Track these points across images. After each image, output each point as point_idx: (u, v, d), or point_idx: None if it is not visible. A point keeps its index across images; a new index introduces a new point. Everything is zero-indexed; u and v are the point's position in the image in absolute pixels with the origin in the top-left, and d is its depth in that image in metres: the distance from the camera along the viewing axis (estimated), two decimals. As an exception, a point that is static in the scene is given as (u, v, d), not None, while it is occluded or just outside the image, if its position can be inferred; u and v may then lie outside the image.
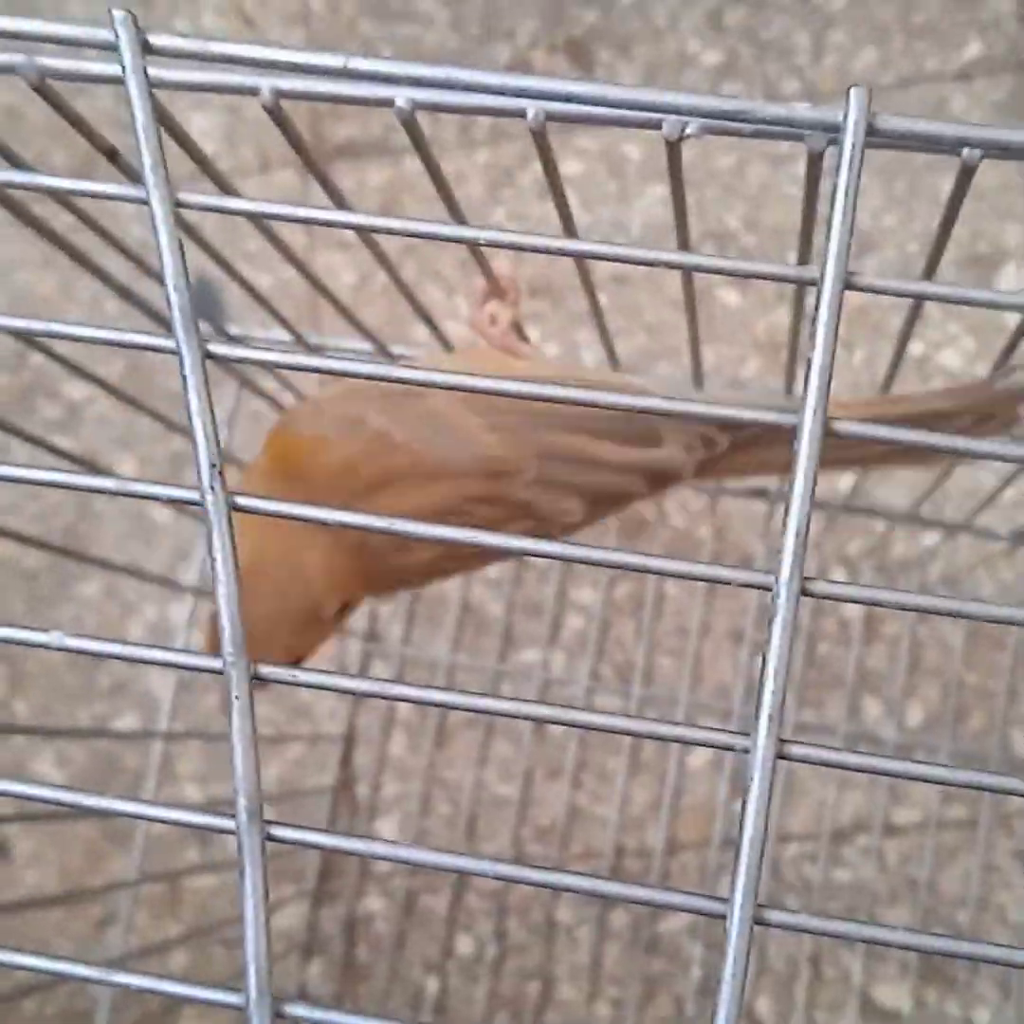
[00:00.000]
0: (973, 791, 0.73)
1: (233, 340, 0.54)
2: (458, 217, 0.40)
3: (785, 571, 0.25)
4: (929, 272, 0.39)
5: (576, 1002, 0.73)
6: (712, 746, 0.25)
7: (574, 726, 0.25)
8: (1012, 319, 0.80)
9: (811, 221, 0.36)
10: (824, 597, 0.25)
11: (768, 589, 0.25)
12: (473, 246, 0.44)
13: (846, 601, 0.25)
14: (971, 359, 0.77)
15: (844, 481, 0.72)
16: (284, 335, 0.52)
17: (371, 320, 0.57)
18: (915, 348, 0.77)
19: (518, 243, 0.26)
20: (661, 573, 0.26)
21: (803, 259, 0.37)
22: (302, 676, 0.26)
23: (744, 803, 0.24)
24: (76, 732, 0.75)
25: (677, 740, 0.25)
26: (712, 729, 0.25)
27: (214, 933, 0.72)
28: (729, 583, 0.26)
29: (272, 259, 0.82)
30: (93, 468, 0.51)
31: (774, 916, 0.25)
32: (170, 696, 0.67)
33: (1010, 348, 0.41)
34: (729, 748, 0.25)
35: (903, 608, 0.25)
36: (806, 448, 0.25)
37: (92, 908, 0.75)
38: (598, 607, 0.76)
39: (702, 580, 0.26)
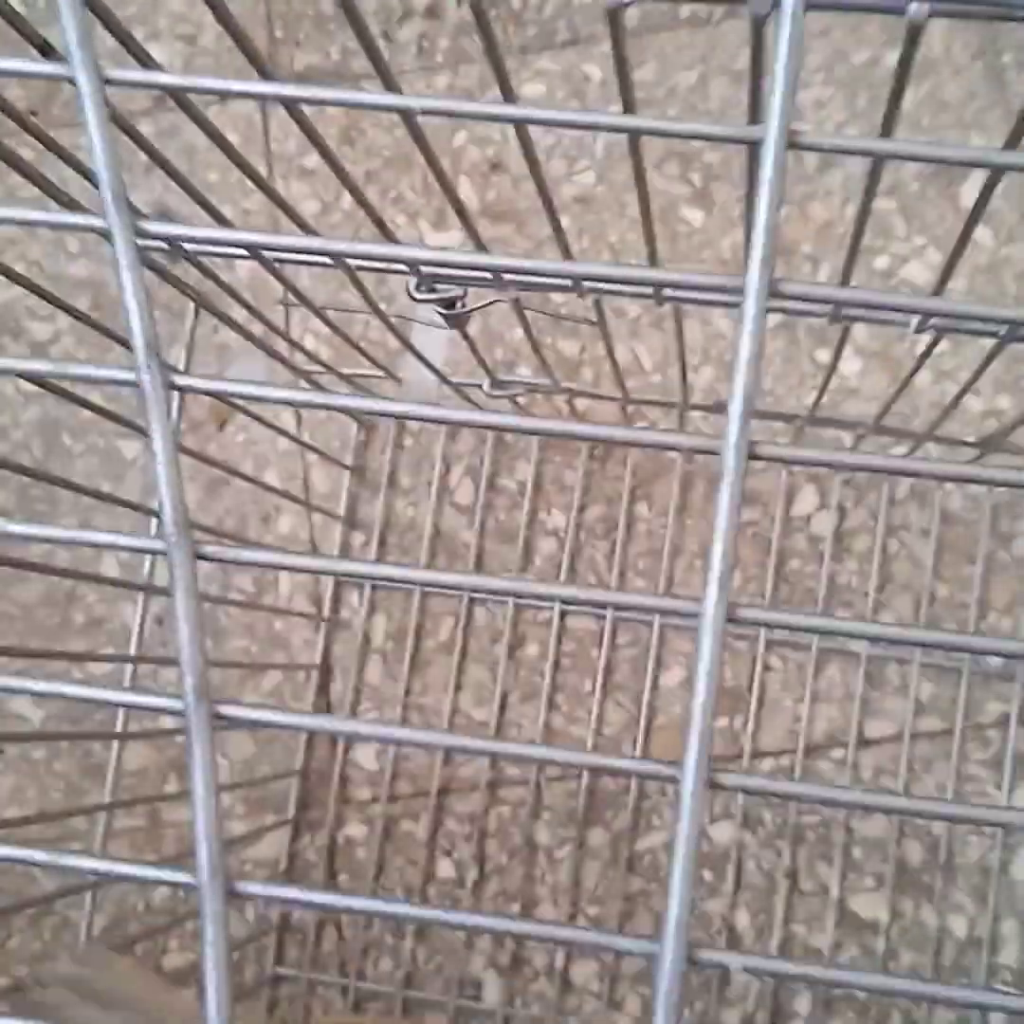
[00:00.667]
0: (947, 702, 0.73)
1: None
2: (417, 134, 0.39)
3: (732, 433, 0.25)
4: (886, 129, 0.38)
5: (558, 923, 0.74)
6: (664, 612, 0.25)
7: (541, 599, 0.25)
8: (982, 233, 0.80)
9: (757, 89, 0.35)
10: (771, 459, 0.25)
11: (715, 452, 0.25)
12: (434, 166, 0.43)
13: (792, 463, 0.25)
14: (937, 271, 0.76)
15: (809, 397, 0.72)
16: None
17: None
18: (880, 261, 0.77)
19: (456, 110, 0.26)
20: (609, 440, 0.25)
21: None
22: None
23: (696, 668, 0.24)
24: (65, 656, 0.75)
25: (636, 607, 0.25)
26: (668, 597, 0.25)
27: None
28: (677, 448, 0.25)
29: (233, 191, 0.82)
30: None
31: (728, 779, 0.25)
32: (137, 627, 0.67)
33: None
34: (678, 612, 0.25)
35: (848, 468, 0.25)
36: (752, 309, 0.24)
37: (71, 843, 0.76)
38: (569, 531, 0.76)
39: (653, 447, 0.26)
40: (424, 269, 0.50)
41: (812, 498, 0.76)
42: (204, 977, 0.25)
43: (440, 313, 0.53)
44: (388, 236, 0.50)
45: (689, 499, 0.76)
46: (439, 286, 0.50)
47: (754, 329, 0.24)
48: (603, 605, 0.75)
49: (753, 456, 0.25)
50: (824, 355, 0.77)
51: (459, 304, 0.52)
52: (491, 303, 0.52)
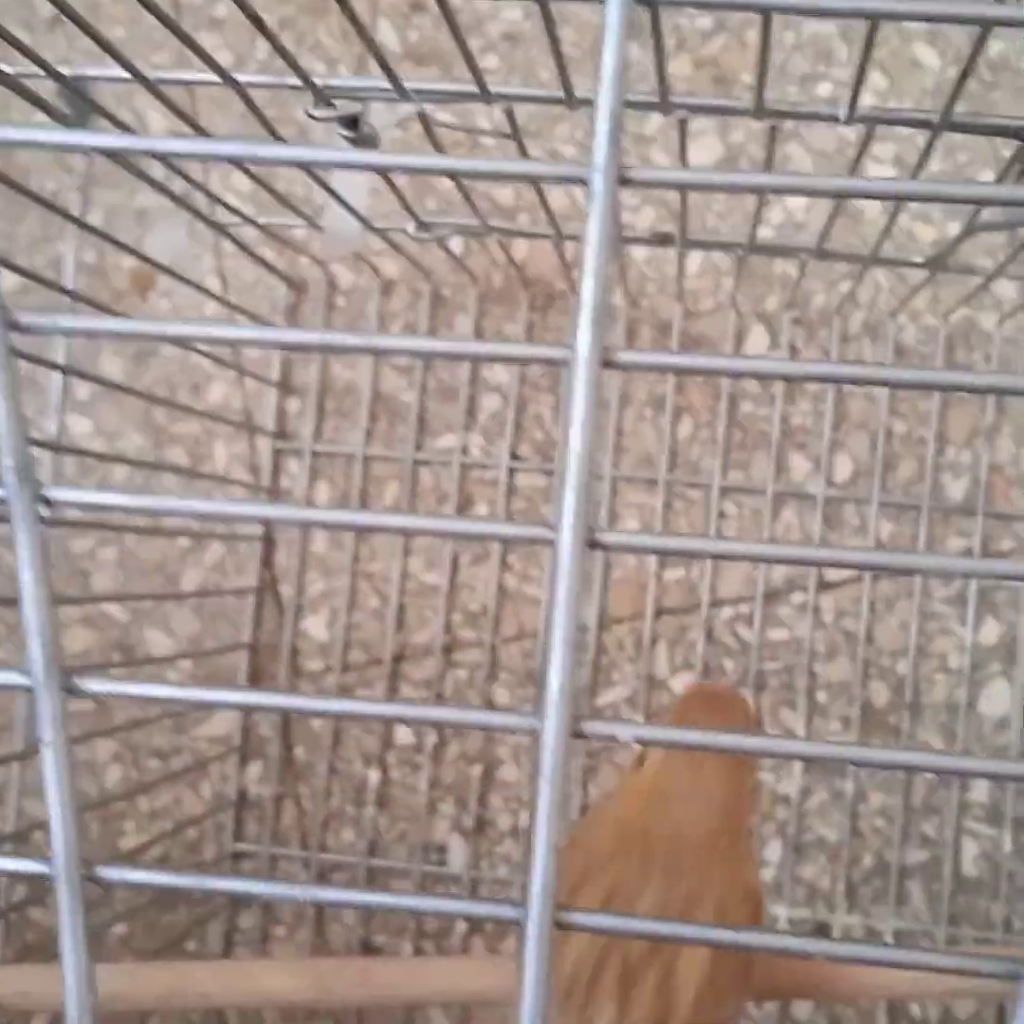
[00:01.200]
0: (907, 540, 0.71)
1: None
2: None
3: (598, 158, 0.22)
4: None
5: (520, 783, 0.72)
6: (535, 361, 0.23)
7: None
8: (928, 54, 0.77)
9: None
10: (643, 183, 0.22)
11: (584, 181, 0.22)
12: (347, 8, 0.40)
13: (660, 186, 0.22)
14: (883, 96, 0.73)
15: (762, 231, 0.69)
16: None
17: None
18: (823, 88, 0.74)
19: None
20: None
21: None
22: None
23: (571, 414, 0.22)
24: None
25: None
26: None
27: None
28: (542, 178, 0.23)
29: (141, 45, 0.78)
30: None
31: (608, 537, 0.22)
32: None
33: None
34: (549, 360, 0.22)
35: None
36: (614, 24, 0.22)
37: None
38: (513, 386, 0.74)
39: (517, 177, 0.23)
40: (318, 82, 0.47)
41: (762, 339, 0.73)
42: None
43: (345, 136, 0.49)
44: (303, 78, 0.47)
45: (634, 346, 0.74)
46: (337, 102, 0.47)
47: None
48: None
49: (623, 181, 0.22)
50: (769, 188, 0.74)
51: (364, 125, 0.49)
52: (397, 122, 0.49)
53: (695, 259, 0.74)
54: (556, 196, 0.73)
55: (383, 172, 0.52)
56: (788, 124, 0.54)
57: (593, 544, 0.22)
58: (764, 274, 0.73)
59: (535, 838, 0.21)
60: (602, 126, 0.22)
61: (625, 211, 0.74)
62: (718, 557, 0.22)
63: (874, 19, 0.38)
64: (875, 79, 0.74)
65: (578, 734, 0.22)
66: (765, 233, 0.73)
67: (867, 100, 0.72)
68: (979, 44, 0.38)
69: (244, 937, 0.73)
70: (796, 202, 0.74)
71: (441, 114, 0.73)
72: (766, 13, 0.37)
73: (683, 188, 0.23)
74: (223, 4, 0.76)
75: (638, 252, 0.74)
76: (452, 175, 0.23)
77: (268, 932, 0.73)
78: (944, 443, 0.72)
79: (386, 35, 0.76)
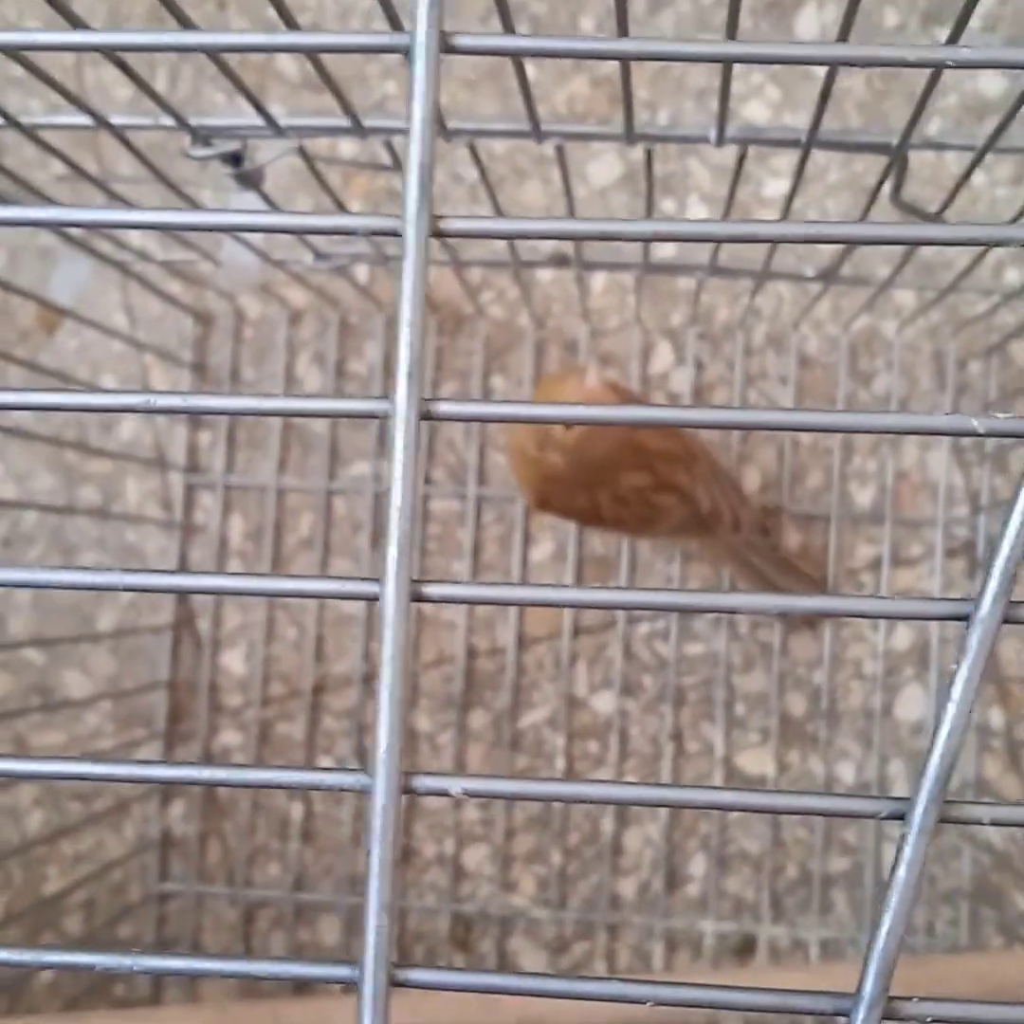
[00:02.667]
0: (818, 551, 0.72)
1: None
2: None
3: (410, 209, 0.22)
4: (731, 26, 0.36)
5: (443, 809, 0.72)
6: (356, 415, 0.22)
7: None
8: (817, 68, 0.77)
9: None
10: (456, 234, 0.22)
11: (397, 233, 0.22)
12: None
13: (476, 236, 0.22)
14: (777, 109, 0.74)
15: (658, 248, 0.70)
16: None
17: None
18: (716, 102, 0.74)
19: None
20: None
21: None
22: None
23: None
24: None
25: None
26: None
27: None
28: (357, 231, 0.23)
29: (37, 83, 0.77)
30: None
31: (434, 590, 0.22)
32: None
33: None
34: (371, 414, 0.22)
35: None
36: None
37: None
38: (424, 411, 0.74)
39: (332, 231, 0.23)
40: (196, 123, 0.47)
41: (668, 355, 0.74)
42: None
43: (229, 174, 0.49)
44: (177, 118, 0.46)
45: (543, 367, 0.74)
46: (214, 141, 0.47)
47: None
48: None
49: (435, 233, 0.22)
50: (669, 205, 0.74)
51: (246, 162, 0.49)
52: (276, 159, 0.49)
53: (599, 278, 0.74)
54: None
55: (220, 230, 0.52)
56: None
57: (418, 598, 0.22)
58: (668, 291, 0.74)
59: (369, 898, 0.21)
60: (412, 178, 0.22)
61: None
62: (529, 604, 0.22)
63: (727, 63, 0.39)
64: (768, 91, 0.75)
65: (408, 790, 0.22)
66: (667, 251, 0.73)
67: (761, 113, 0.73)
68: (829, 79, 0.39)
69: (174, 979, 0.72)
70: (695, 213, 0.75)
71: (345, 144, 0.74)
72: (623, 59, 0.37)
73: (499, 237, 0.23)
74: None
75: (543, 274, 0.74)
76: (286, 232, 0.23)
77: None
78: (850, 452, 0.72)
79: (284, 63, 0.76)
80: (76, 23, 0.40)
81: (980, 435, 0.21)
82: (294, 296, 0.74)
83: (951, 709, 0.20)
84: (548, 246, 0.74)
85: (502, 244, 0.66)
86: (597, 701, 0.73)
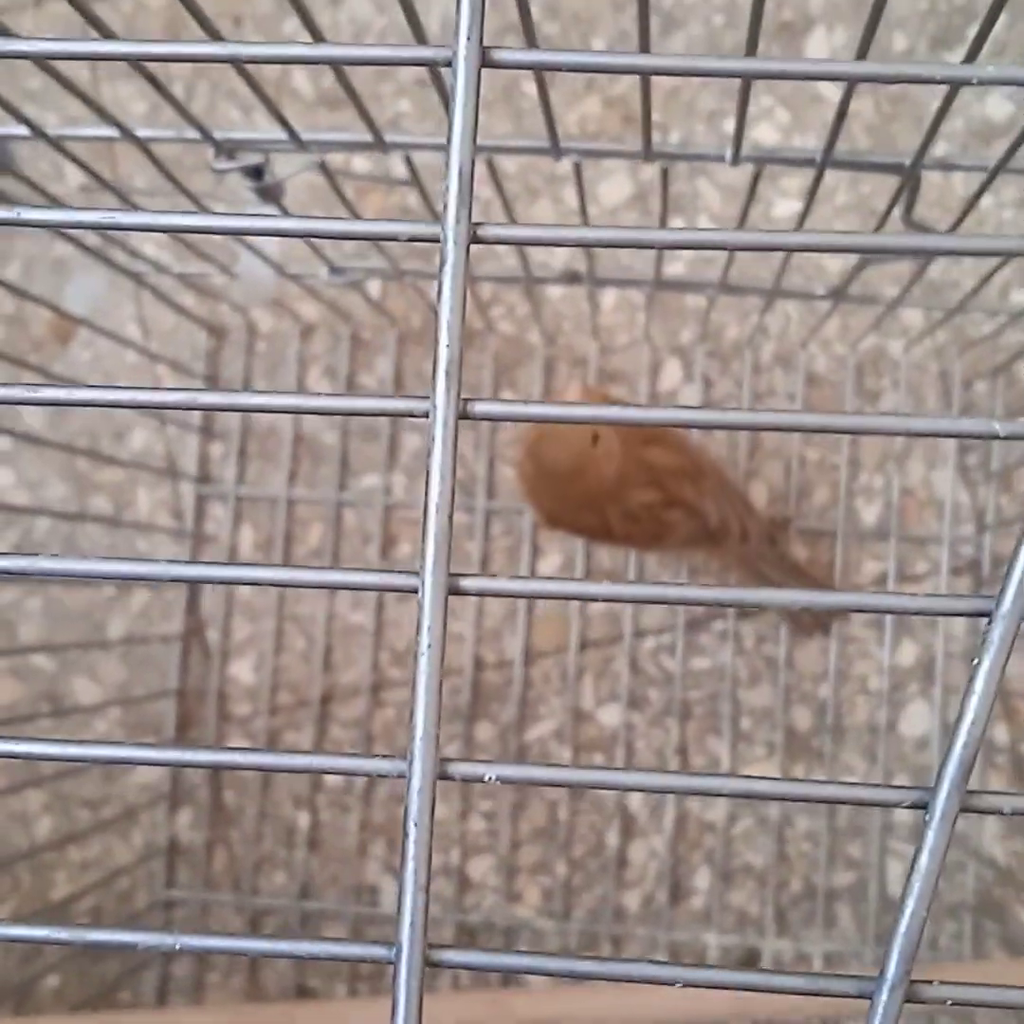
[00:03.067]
0: (824, 567, 0.73)
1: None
2: None
3: (449, 216, 0.23)
4: (751, 45, 0.37)
5: (450, 820, 0.73)
6: (397, 414, 0.23)
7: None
8: (827, 88, 0.78)
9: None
10: (495, 241, 0.23)
11: (436, 240, 0.23)
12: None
13: (513, 243, 0.23)
14: (787, 132, 0.75)
15: (667, 266, 0.71)
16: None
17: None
18: (729, 124, 0.75)
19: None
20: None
21: None
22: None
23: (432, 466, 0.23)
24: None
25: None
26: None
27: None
28: (397, 237, 0.23)
29: (58, 95, 0.78)
30: None
31: (466, 583, 0.23)
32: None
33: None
34: (411, 412, 0.23)
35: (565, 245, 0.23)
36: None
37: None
38: (434, 424, 0.74)
39: (372, 237, 0.24)
40: (219, 136, 0.47)
41: (676, 372, 0.74)
42: None
43: (250, 188, 0.50)
44: (202, 131, 0.47)
45: (553, 382, 0.75)
46: (238, 154, 0.48)
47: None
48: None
49: (475, 240, 0.23)
50: (680, 225, 0.75)
51: (267, 175, 0.50)
52: (297, 173, 0.49)
53: (610, 295, 0.75)
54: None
55: (238, 234, 0.53)
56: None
57: (455, 591, 0.23)
58: (678, 308, 0.75)
59: (405, 879, 0.22)
60: (453, 185, 0.23)
61: (539, 250, 0.75)
62: (564, 598, 0.23)
63: (762, 78, 0.39)
64: (778, 114, 0.76)
65: (444, 776, 0.22)
66: (676, 269, 0.74)
67: (770, 136, 0.74)
68: (846, 98, 0.40)
69: (178, 985, 0.73)
70: (707, 237, 0.76)
71: (358, 161, 0.75)
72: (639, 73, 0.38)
73: (534, 245, 0.24)
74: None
75: (553, 290, 0.75)
76: (314, 236, 0.24)
77: (202, 979, 0.73)
78: (857, 468, 0.73)
79: (299, 81, 0.77)
80: (106, 33, 0.41)
81: (1000, 438, 0.22)
82: (306, 310, 0.75)
83: (974, 699, 0.20)
84: (560, 263, 0.75)
85: (514, 260, 0.67)
86: (603, 714, 0.73)
